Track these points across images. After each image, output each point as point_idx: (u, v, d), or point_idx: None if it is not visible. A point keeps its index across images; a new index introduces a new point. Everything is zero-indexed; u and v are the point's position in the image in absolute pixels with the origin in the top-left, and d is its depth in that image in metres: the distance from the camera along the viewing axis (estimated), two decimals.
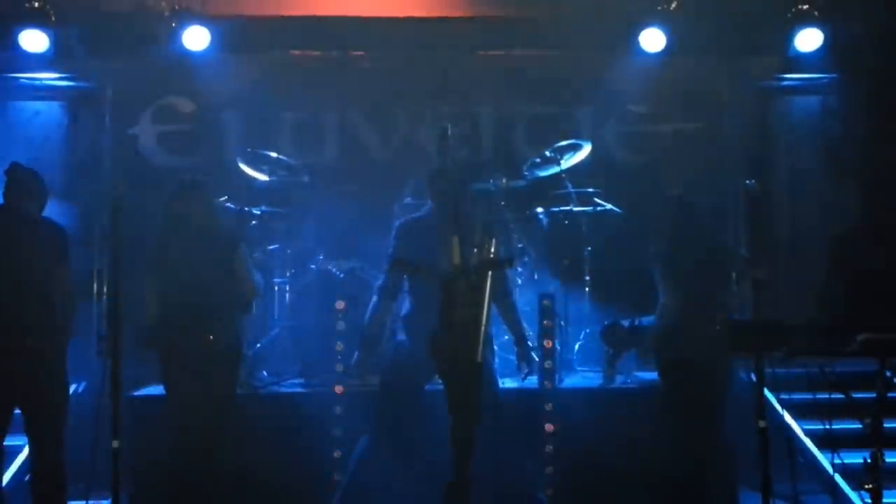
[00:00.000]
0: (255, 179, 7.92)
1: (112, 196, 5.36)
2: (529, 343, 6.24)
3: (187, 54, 8.32)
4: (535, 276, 7.67)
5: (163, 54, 8.26)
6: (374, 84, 8.98)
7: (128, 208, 5.75)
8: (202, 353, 5.78)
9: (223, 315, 5.88)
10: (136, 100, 9.07)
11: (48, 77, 8.86)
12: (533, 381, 6.49)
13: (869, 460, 4.89)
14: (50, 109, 9.07)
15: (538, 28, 8.60)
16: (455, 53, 8.81)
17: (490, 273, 4.45)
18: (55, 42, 8.15)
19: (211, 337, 5.78)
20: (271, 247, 7.65)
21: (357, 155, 9.11)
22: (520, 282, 7.59)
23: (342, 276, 7.32)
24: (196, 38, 8.23)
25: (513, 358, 6.23)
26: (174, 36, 8.24)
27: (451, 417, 4.33)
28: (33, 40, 8.13)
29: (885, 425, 4.97)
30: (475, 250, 4.58)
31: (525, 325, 6.57)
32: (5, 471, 6.36)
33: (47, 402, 5.75)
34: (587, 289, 7.80)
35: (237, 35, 8.42)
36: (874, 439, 4.87)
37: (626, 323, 6.85)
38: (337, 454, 6.31)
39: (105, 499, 5.44)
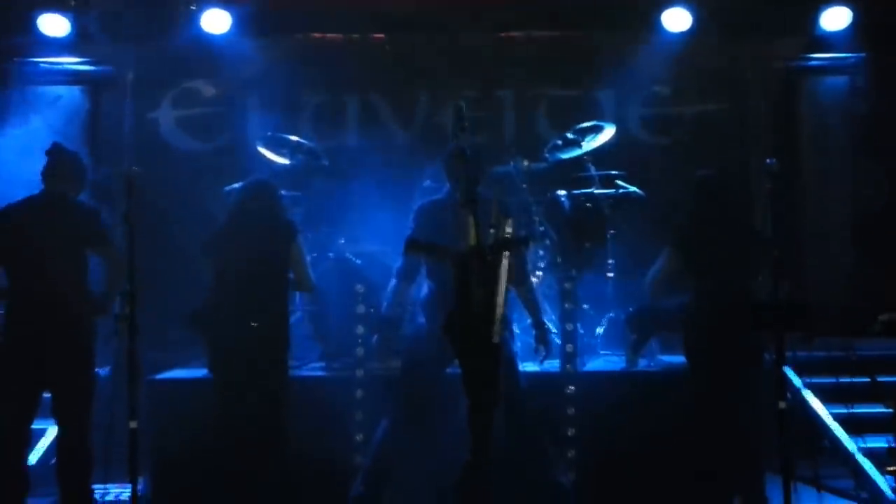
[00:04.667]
0: (275, 163, 7.99)
1: (126, 178, 5.47)
2: (548, 326, 6.29)
3: (208, 38, 8.47)
4: (558, 260, 7.69)
5: (183, 38, 8.41)
6: (395, 67, 9.08)
7: (148, 191, 5.92)
8: (251, 341, 5.90)
9: (275, 305, 6.03)
10: (157, 84, 9.20)
11: (69, 61, 9.00)
12: (555, 364, 6.55)
13: (893, 444, 4.89)
14: (71, 94, 9.21)
15: (560, 9, 8.69)
16: (476, 35, 8.89)
17: (507, 254, 4.51)
18: (75, 26, 8.33)
19: (254, 324, 5.89)
20: None
21: (377, 138, 9.18)
22: (542, 265, 7.63)
23: (362, 259, 7.38)
24: (216, 21, 8.38)
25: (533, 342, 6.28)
26: (194, 19, 8.39)
27: (468, 398, 4.40)
28: (53, 25, 8.31)
29: None
30: (491, 231, 4.64)
31: (544, 307, 6.68)
32: (31, 452, 6.52)
33: (75, 385, 5.86)
34: (610, 272, 7.82)
35: (257, 18, 8.55)
36: None
37: (648, 307, 6.85)
38: (359, 437, 6.40)
39: (127, 482, 5.57)
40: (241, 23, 8.48)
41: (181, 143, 9.23)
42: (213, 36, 8.46)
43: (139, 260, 5.48)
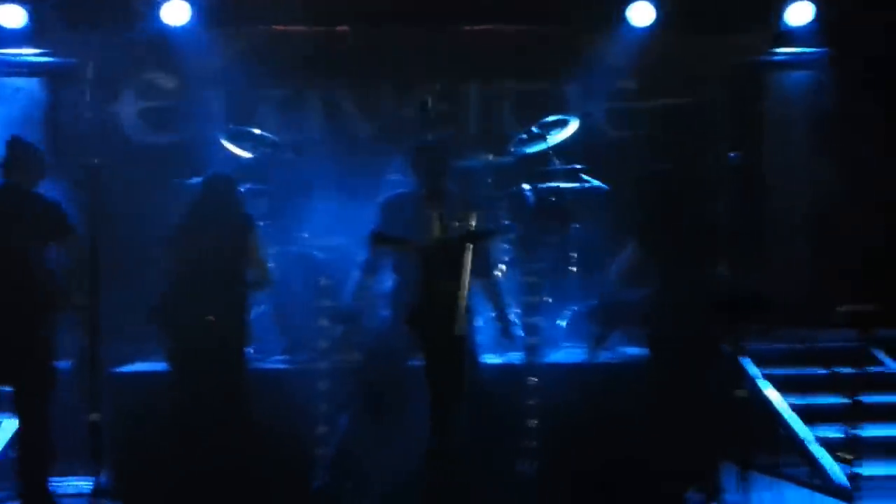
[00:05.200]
0: (238, 156, 8.04)
1: (88, 171, 5.61)
2: (511, 319, 6.44)
3: (169, 30, 8.50)
4: (522, 253, 7.79)
5: (143, 29, 8.45)
6: (359, 60, 9.14)
7: (109, 183, 5.98)
8: (209, 335, 6.03)
9: (233, 299, 6.16)
10: (118, 76, 9.18)
11: (27, 53, 8.97)
12: (518, 356, 6.69)
13: (847, 433, 5.09)
14: (30, 86, 9.16)
15: (526, 3, 8.82)
16: (441, 29, 9.01)
17: (470, 247, 4.63)
18: (33, 17, 8.35)
19: (212, 318, 6.02)
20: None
21: (342, 131, 9.28)
22: (506, 258, 7.75)
23: (327, 252, 7.44)
24: (177, 12, 8.42)
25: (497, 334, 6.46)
26: (154, 10, 8.43)
27: (432, 390, 4.52)
28: (10, 15, 8.32)
29: (865, 399, 5.16)
30: (456, 224, 4.76)
31: (508, 300, 6.79)
32: None
33: (35, 378, 5.94)
34: (573, 265, 7.96)
35: (218, 9, 8.62)
36: (852, 412, 5.09)
37: (611, 300, 7.05)
38: (322, 429, 6.45)
39: (88, 475, 5.71)
40: (202, 14, 8.52)
41: (142, 136, 9.29)
42: (174, 28, 8.50)
43: (100, 253, 5.58)
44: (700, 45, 9.17)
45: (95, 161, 5.75)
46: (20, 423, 6.00)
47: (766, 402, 7.32)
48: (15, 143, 6.10)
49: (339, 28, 9.14)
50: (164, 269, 6.25)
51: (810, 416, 6.67)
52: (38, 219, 5.96)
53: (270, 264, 7.46)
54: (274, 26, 9.07)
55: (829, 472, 6.64)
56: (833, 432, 6.32)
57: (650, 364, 6.40)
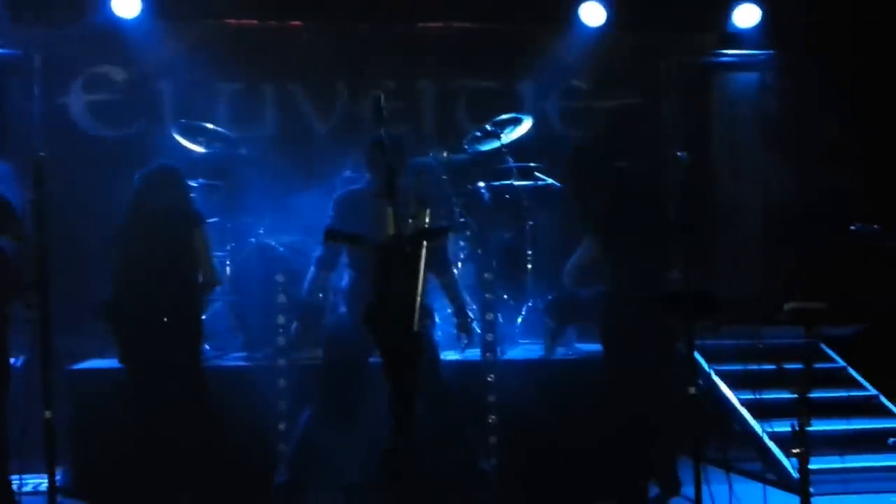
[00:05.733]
0: (191, 151, 8.05)
1: (34, 164, 5.50)
2: (469, 315, 6.55)
3: (119, 21, 8.47)
4: (478, 250, 7.95)
5: (93, 21, 8.40)
6: (313, 55, 9.18)
7: (59, 178, 5.97)
8: (160, 332, 6.08)
9: (183, 294, 6.19)
10: (67, 68, 9.16)
11: None
12: (475, 353, 6.83)
13: (797, 428, 5.29)
14: None
15: (479, 0, 8.96)
16: (395, 25, 9.08)
17: (426, 244, 4.62)
18: None
19: (165, 319, 6.08)
20: (210, 220, 7.64)
21: (296, 127, 9.33)
22: (462, 256, 7.88)
23: (282, 249, 7.50)
24: (127, 4, 8.40)
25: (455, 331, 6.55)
26: (105, 2, 8.40)
27: (390, 385, 4.51)
28: None
29: (813, 395, 5.38)
30: (410, 221, 4.84)
31: (465, 297, 6.88)
32: None
33: None
34: (529, 262, 8.11)
35: (170, 2, 8.61)
36: (801, 408, 5.30)
37: (566, 296, 7.16)
38: (281, 426, 6.55)
39: (44, 473, 5.66)
40: (153, 6, 8.50)
41: (92, 130, 9.22)
42: (124, 20, 8.48)
43: (51, 248, 5.57)
44: (650, 45, 9.37)
45: (41, 154, 5.63)
46: None
47: (720, 398, 7.57)
48: None
49: (292, 23, 9.17)
50: (112, 266, 6.24)
51: (761, 411, 6.89)
52: None
53: (226, 261, 7.63)
54: (226, 20, 9.07)
55: (783, 466, 6.89)
56: (783, 427, 6.55)
57: (605, 360, 6.55)
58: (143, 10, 8.48)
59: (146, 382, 6.14)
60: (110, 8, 8.44)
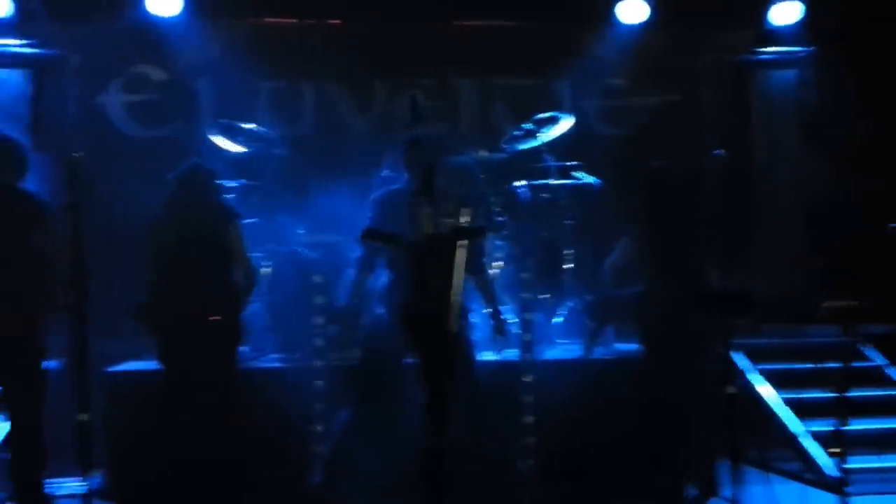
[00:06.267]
0: (229, 151, 8.12)
1: (69, 164, 5.58)
2: (505, 316, 6.59)
3: (158, 21, 8.53)
4: (516, 250, 7.95)
5: (131, 20, 8.46)
6: (352, 54, 9.23)
7: (96, 179, 6.06)
8: (201, 332, 6.13)
9: (219, 294, 6.24)
10: (105, 68, 9.21)
11: (11, 43, 8.92)
12: (513, 353, 6.88)
13: (836, 427, 5.34)
14: (13, 78, 9.12)
15: None
16: (434, 24, 9.14)
17: (463, 243, 4.65)
18: (18, 7, 8.33)
19: (211, 318, 6.14)
20: (248, 220, 7.64)
21: (334, 126, 9.40)
22: (500, 255, 7.88)
23: (321, 250, 7.53)
24: (166, 3, 8.46)
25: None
26: (142, 1, 8.46)
27: (426, 387, 4.59)
28: None
29: (851, 394, 5.42)
30: (447, 220, 4.92)
31: (502, 297, 6.95)
32: None
33: (26, 379, 5.96)
34: (567, 262, 8.13)
35: (209, 1, 8.66)
36: (840, 407, 5.35)
37: (606, 296, 7.19)
38: (318, 428, 6.59)
39: (79, 477, 5.76)
40: (193, 5, 8.55)
41: (130, 130, 9.30)
42: (164, 19, 8.53)
43: (87, 249, 5.67)
44: (689, 43, 9.37)
45: (78, 154, 5.72)
46: (11, 425, 6.01)
47: (758, 397, 7.58)
48: None
49: (331, 21, 9.22)
50: (147, 266, 6.30)
51: (800, 410, 6.93)
52: (23, 215, 5.95)
53: (265, 263, 7.62)
54: (265, 18, 9.15)
55: (821, 465, 6.90)
56: (821, 426, 6.60)
57: (644, 359, 6.59)
58: (182, 9, 8.52)
59: (184, 383, 6.18)
60: (148, 7, 8.49)
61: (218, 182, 6.65)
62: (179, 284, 6.17)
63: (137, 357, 7.33)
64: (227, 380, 6.29)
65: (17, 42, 8.98)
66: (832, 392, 5.40)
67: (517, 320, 7.10)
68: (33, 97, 9.20)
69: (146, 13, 8.57)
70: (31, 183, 6.20)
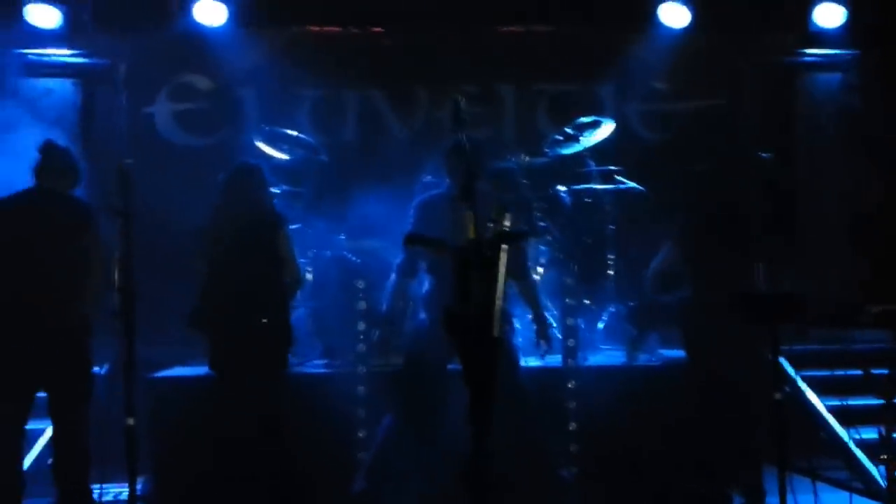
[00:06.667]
0: (273, 158, 8.10)
1: (119, 172, 5.52)
2: (548, 320, 6.53)
3: (204, 30, 8.59)
4: (559, 255, 7.89)
5: (178, 30, 8.53)
6: (394, 61, 9.25)
7: (144, 187, 6.06)
8: (252, 336, 6.09)
9: (271, 298, 6.20)
10: (153, 77, 9.30)
11: (60, 54, 9.04)
12: (556, 359, 6.80)
13: (884, 434, 5.19)
14: (63, 87, 9.24)
15: (559, 4, 8.94)
16: (476, 30, 9.12)
17: (506, 248, 4.60)
18: (67, 17, 8.40)
19: (265, 321, 6.10)
20: (292, 226, 7.67)
21: (377, 133, 9.40)
22: (543, 261, 7.83)
23: (363, 255, 7.54)
24: (212, 12, 8.51)
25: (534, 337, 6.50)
26: (188, 11, 8.52)
27: (469, 392, 4.48)
28: (44, 15, 8.37)
29: None
30: (490, 225, 4.84)
31: (545, 303, 6.88)
32: (28, 453, 6.62)
33: (73, 383, 5.94)
34: (610, 267, 8.07)
35: (253, 10, 8.69)
36: (888, 414, 5.20)
37: (649, 301, 7.10)
38: (361, 434, 6.56)
39: (125, 481, 5.60)
40: (238, 15, 8.59)
41: (178, 139, 9.37)
42: (209, 28, 8.58)
43: (136, 256, 5.59)
44: (731, 46, 9.24)
45: (127, 162, 5.62)
46: (57, 429, 6.01)
47: (805, 404, 7.45)
48: (48, 149, 6.13)
49: (374, 29, 9.25)
50: (196, 271, 6.29)
51: (847, 417, 6.77)
52: (70, 221, 5.98)
53: (308, 268, 7.65)
54: (309, 27, 9.19)
55: (869, 473, 6.78)
56: (870, 434, 6.42)
57: (688, 366, 6.51)
58: (228, 19, 8.56)
59: (235, 387, 6.14)
60: (195, 17, 8.53)
61: (266, 182, 6.60)
62: (231, 290, 6.14)
63: (181, 363, 7.37)
64: (276, 384, 6.26)
65: (67, 52, 9.10)
66: (881, 399, 5.23)
67: (560, 326, 7.01)
68: (83, 106, 9.33)
69: (192, 23, 8.60)
70: (80, 190, 6.25)
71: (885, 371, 5.38)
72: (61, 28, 8.57)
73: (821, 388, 7.47)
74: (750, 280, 6.29)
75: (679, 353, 6.75)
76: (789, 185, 9.13)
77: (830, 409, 7.34)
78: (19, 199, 6.05)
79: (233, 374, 6.17)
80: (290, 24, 9.13)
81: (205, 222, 6.38)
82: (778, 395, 5.67)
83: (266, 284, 6.21)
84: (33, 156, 6.12)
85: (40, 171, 6.08)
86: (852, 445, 6.84)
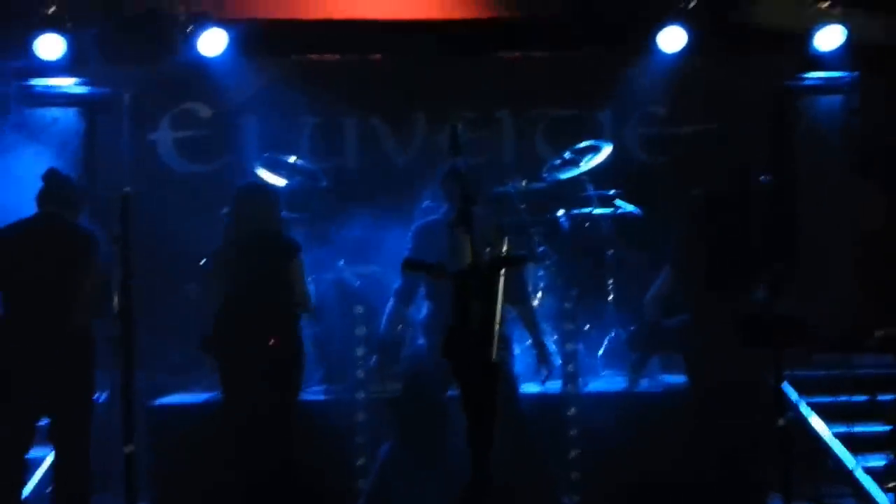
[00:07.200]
0: (273, 184, 7.93)
1: (121, 199, 5.54)
2: (548, 347, 6.44)
3: (204, 59, 8.48)
4: (558, 280, 7.82)
5: (180, 59, 8.42)
6: (393, 88, 9.18)
7: (146, 214, 5.97)
8: (262, 360, 5.95)
9: (282, 322, 6.08)
10: (155, 105, 9.26)
11: (65, 83, 8.99)
12: (556, 385, 6.69)
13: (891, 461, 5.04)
14: (67, 116, 9.19)
15: (557, 29, 8.81)
16: (474, 56, 9.05)
17: (503, 273, 4.54)
18: (71, 48, 8.31)
19: (271, 341, 5.96)
20: None
21: (376, 159, 9.33)
22: (542, 285, 7.76)
23: (362, 281, 7.47)
24: (213, 42, 8.39)
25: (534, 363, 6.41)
26: (191, 41, 8.39)
27: (467, 418, 4.44)
28: (49, 47, 8.27)
29: None
30: (487, 250, 4.73)
31: (545, 328, 6.80)
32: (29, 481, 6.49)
33: (75, 410, 5.89)
34: (610, 291, 7.97)
35: (254, 39, 8.57)
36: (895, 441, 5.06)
37: (650, 326, 6.96)
38: (360, 461, 6.50)
39: None
40: (238, 43, 8.48)
41: (179, 166, 9.34)
42: (209, 57, 8.48)
43: (136, 282, 5.57)
44: (730, 70, 9.07)
45: (127, 189, 5.66)
46: (57, 456, 5.96)
47: (810, 431, 7.25)
48: (51, 176, 6.11)
49: (372, 57, 9.18)
50: (210, 295, 6.18)
51: (853, 444, 6.62)
52: (72, 249, 5.95)
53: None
54: (308, 55, 9.12)
55: (876, 501, 6.55)
56: (877, 461, 6.26)
57: (690, 391, 6.38)
58: (228, 47, 8.45)
59: (244, 412, 5.99)
60: (197, 45, 8.43)
61: (279, 204, 6.51)
62: (243, 315, 6.02)
63: (182, 389, 7.34)
64: (287, 411, 6.13)
65: (71, 82, 9.03)
66: (887, 425, 5.06)
67: (560, 351, 6.93)
68: (86, 134, 9.27)
69: (195, 52, 8.50)
70: (83, 218, 6.25)
71: (891, 396, 5.22)
72: (65, 58, 8.45)
73: (826, 414, 7.26)
74: (751, 304, 6.21)
75: (681, 379, 6.64)
76: (790, 208, 8.99)
77: (836, 436, 7.13)
78: (22, 227, 6.04)
79: (243, 399, 6.02)
80: (290, 52, 9.03)
81: (217, 248, 6.28)
82: (781, 421, 5.54)
83: (278, 310, 6.08)
84: (37, 183, 6.10)
85: (43, 198, 6.07)
86: (859, 473, 6.64)
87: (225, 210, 6.52)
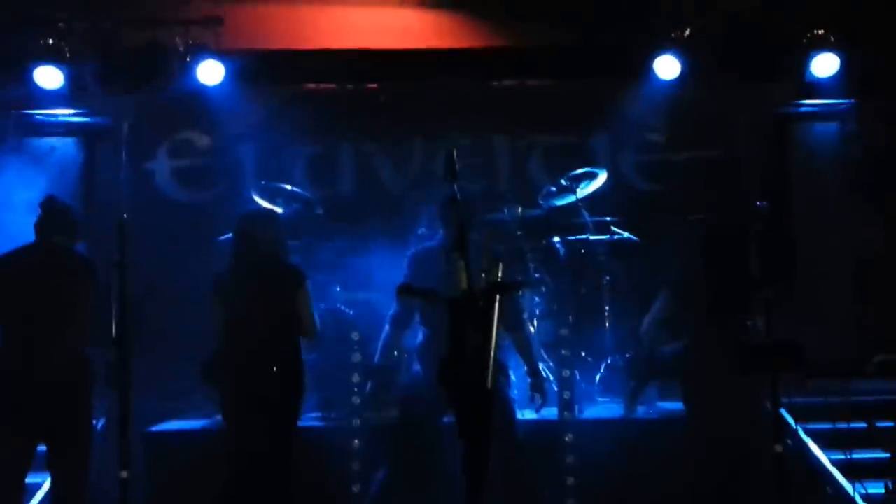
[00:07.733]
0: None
1: (118, 226, 5.49)
2: (543, 373, 6.36)
3: (202, 89, 8.48)
4: (554, 306, 7.76)
5: (178, 89, 8.42)
6: (389, 116, 9.16)
7: (144, 241, 5.88)
8: (264, 388, 5.82)
9: (286, 350, 5.95)
10: (153, 135, 9.27)
11: (64, 113, 9.04)
12: (552, 412, 6.60)
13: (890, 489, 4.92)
14: (66, 145, 9.27)
15: (553, 57, 8.83)
16: (470, 84, 9.01)
17: (499, 299, 4.49)
18: (70, 78, 8.32)
19: (275, 368, 5.83)
20: None
21: (372, 186, 9.30)
22: (538, 312, 7.69)
23: (358, 307, 7.39)
24: (210, 72, 8.39)
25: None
26: (189, 71, 8.40)
27: (462, 444, 4.28)
28: (48, 77, 8.29)
29: None
30: (483, 276, 4.66)
31: (541, 355, 6.78)
32: None
33: (72, 436, 5.82)
34: (606, 318, 7.89)
35: (251, 69, 8.58)
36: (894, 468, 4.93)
37: (646, 353, 6.85)
38: (356, 488, 6.40)
39: None
40: (235, 73, 8.48)
41: (176, 194, 9.31)
42: (207, 87, 8.47)
43: (134, 309, 5.50)
44: (726, 97, 9.03)
45: (124, 216, 5.59)
46: (55, 483, 5.88)
47: (809, 458, 7.13)
48: (50, 204, 6.05)
49: (369, 86, 9.19)
50: (211, 318, 6.01)
51: (852, 471, 6.49)
52: (70, 277, 5.90)
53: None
54: (305, 85, 9.13)
55: None
56: (876, 488, 6.13)
57: (688, 419, 6.23)
58: (225, 77, 8.44)
59: (245, 439, 5.85)
60: (195, 76, 8.42)
61: (283, 231, 6.40)
62: (248, 344, 5.88)
63: (180, 416, 7.28)
64: (286, 439, 5.96)
65: (70, 112, 9.09)
66: (886, 452, 4.93)
67: (556, 378, 6.86)
68: (84, 163, 9.35)
69: (191, 82, 8.49)
70: (81, 245, 6.21)
71: (890, 423, 5.11)
72: (64, 88, 8.46)
73: (824, 440, 7.12)
74: (748, 330, 6.11)
75: (678, 405, 6.48)
76: (788, 234, 8.92)
77: (834, 463, 6.99)
78: (21, 254, 5.99)
79: (244, 426, 5.88)
80: (287, 81, 9.04)
81: (223, 270, 6.11)
82: (779, 448, 5.40)
83: (280, 337, 5.95)
84: (36, 211, 6.06)
85: (42, 226, 6.01)
86: (859, 500, 6.49)
87: (223, 237, 6.42)
